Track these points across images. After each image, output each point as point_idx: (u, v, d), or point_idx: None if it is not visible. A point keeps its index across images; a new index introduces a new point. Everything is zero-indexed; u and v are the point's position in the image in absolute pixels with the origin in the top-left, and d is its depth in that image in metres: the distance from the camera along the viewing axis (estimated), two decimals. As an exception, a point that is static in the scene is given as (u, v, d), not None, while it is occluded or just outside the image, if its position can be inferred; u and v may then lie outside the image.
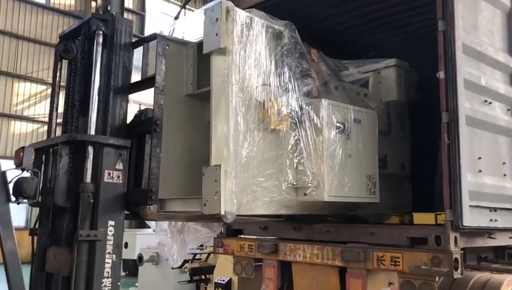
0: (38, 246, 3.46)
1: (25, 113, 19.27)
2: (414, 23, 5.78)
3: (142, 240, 11.51)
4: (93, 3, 20.57)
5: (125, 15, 19.43)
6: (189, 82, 4.46)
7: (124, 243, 11.00)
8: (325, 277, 4.49)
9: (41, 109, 19.32)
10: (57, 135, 3.59)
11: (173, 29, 4.39)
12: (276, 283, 4.82)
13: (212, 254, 8.85)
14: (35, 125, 19.32)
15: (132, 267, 12.41)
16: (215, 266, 8.65)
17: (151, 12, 22.57)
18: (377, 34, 6.06)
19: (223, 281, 7.85)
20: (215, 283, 8.00)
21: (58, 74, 3.69)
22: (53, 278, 3.34)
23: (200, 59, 4.45)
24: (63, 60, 3.77)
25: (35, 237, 3.47)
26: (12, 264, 2.96)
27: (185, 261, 9.12)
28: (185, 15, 4.39)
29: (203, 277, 9.56)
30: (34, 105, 19.38)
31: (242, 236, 5.32)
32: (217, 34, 3.76)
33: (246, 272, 5.17)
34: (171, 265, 4.06)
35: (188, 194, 4.07)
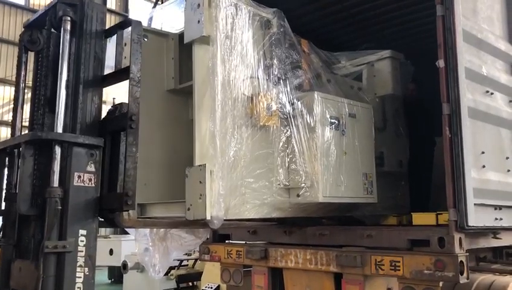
0: (2, 259, 3.09)
1: (5, 118, 18.76)
2: (409, 14, 5.54)
3: (127, 247, 11.17)
4: (74, 4, 20.15)
5: (108, 16, 19.02)
6: (170, 76, 4.17)
7: (109, 249, 10.69)
8: (319, 284, 4.20)
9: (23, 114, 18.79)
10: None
11: (151, 18, 4.05)
12: (267, 290, 4.53)
13: (198, 260, 8.62)
14: (16, 130, 18.81)
15: (118, 275, 12.08)
16: (202, 272, 8.45)
17: (134, 13, 22.18)
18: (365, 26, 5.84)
19: (211, 288, 7.68)
20: (203, 290, 7.76)
21: (23, 67, 3.32)
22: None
23: (182, 51, 4.15)
24: (29, 53, 3.40)
25: (-1, 249, 3.10)
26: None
27: (171, 268, 8.87)
28: (162, 2, 4.07)
29: (190, 283, 9.33)
30: (15, 109, 18.88)
31: (229, 241, 5.05)
32: (198, 21, 3.46)
33: (235, 279, 4.88)
34: (152, 276, 3.70)
35: (172, 198, 3.76)
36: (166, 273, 8.94)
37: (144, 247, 3.65)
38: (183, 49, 4.10)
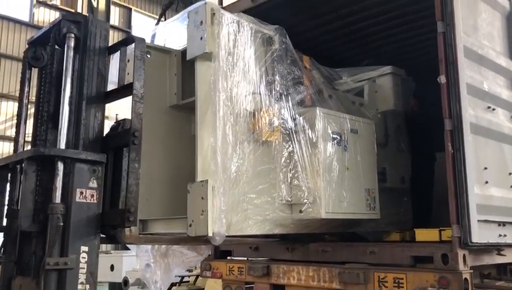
0: (3, 276, 3.07)
1: (7, 133, 18.80)
2: (409, 30, 5.57)
3: (128, 263, 11.08)
4: (78, 21, 20.30)
5: (111, 32, 19.14)
6: (173, 92, 4.17)
7: (110, 265, 10.60)
8: None
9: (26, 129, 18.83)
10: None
11: (154, 35, 4.08)
12: (269, 307, 4.48)
13: (200, 277, 8.53)
14: (18, 146, 18.82)
15: (119, 291, 11.96)
16: (203, 289, 8.34)
17: (137, 29, 22.35)
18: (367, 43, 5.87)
19: None
20: (205, 306, 7.65)
21: (26, 83, 3.34)
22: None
23: (184, 68, 4.16)
24: (32, 69, 3.42)
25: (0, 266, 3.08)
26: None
27: (173, 285, 8.77)
28: (165, 19, 4.14)
29: (191, 300, 9.21)
30: (17, 125, 18.92)
31: (231, 258, 5.01)
32: (201, 38, 3.47)
33: None
34: (154, 293, 3.67)
35: (173, 214, 3.74)
36: (168, 290, 8.86)
37: (145, 263, 3.61)
38: (185, 65, 4.12)
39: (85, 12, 20.04)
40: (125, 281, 9.27)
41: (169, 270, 3.59)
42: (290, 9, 5.00)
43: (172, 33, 4.11)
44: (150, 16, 22.46)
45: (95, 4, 19.06)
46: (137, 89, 2.95)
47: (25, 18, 19.77)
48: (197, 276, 9.15)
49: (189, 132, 4.21)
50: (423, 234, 4.41)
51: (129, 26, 22.78)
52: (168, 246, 3.69)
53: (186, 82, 4.17)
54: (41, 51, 3.30)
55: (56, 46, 3.13)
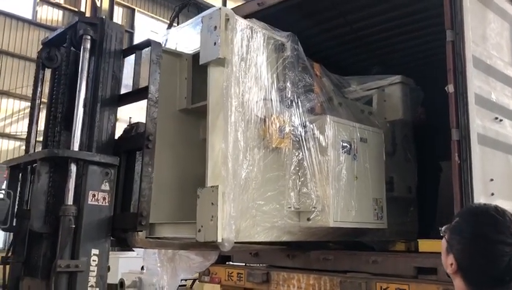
0: (11, 276, 3.05)
1: (7, 130, 18.72)
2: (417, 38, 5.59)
3: (124, 264, 11.02)
4: (81, 20, 20.26)
5: (113, 32, 19.13)
6: (183, 96, 4.16)
7: (106, 267, 10.49)
8: None
9: (25, 126, 18.63)
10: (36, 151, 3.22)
11: (166, 40, 4.07)
12: (268, 315, 4.41)
13: (197, 281, 8.48)
14: (18, 143, 18.76)
15: (114, 293, 11.88)
16: (202, 292, 8.32)
17: (140, 30, 22.32)
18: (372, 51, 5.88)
19: None
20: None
21: (39, 83, 3.33)
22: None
23: (195, 72, 4.15)
24: (46, 70, 3.41)
25: (8, 266, 3.06)
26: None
27: (169, 289, 8.70)
28: (177, 24, 4.16)
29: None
30: (17, 122, 18.84)
31: (230, 263, 4.96)
32: (215, 43, 3.46)
33: None
34: (160, 297, 3.65)
35: (179, 219, 3.73)
36: (165, 294, 8.81)
37: (152, 267, 3.60)
38: (196, 69, 4.11)
39: (88, 12, 20.07)
40: (121, 283, 9.21)
41: (176, 275, 3.57)
42: (296, 14, 4.99)
43: (184, 38, 4.10)
44: (153, 17, 22.44)
45: (98, 4, 19.04)
46: (152, 93, 2.94)
47: (28, 16, 19.71)
48: (194, 280, 9.08)
49: (198, 136, 4.19)
50: (426, 245, 4.37)
51: (132, 26, 22.74)
52: (175, 251, 3.68)
53: (196, 86, 4.16)
54: (56, 51, 3.29)
55: (72, 48, 3.12)
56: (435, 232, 5.28)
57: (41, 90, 3.33)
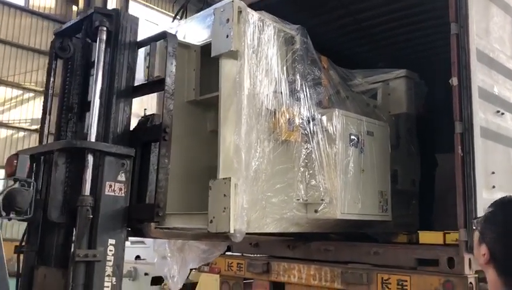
0: (25, 265, 3.07)
1: (1, 119, 18.57)
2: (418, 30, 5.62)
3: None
4: (74, 7, 20.08)
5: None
6: (191, 88, 4.16)
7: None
8: None
9: (17, 115, 18.64)
10: (49, 142, 3.22)
11: (176, 32, 4.07)
12: (268, 304, 4.43)
13: (193, 271, 8.50)
14: (10, 131, 18.62)
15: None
16: (196, 283, 8.30)
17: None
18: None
19: None
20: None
21: (52, 73, 3.33)
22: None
23: (203, 63, 4.16)
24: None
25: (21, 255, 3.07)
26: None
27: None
28: (185, 17, 4.16)
29: (181, 295, 9.16)
30: (9, 110, 18.69)
31: (230, 253, 4.96)
32: (227, 36, 3.48)
33: None
34: (171, 288, 3.68)
35: (186, 209, 3.75)
36: (160, 283, 8.80)
37: (162, 257, 3.64)
38: (204, 61, 4.13)
39: (81, 0, 19.87)
40: (117, 273, 9.17)
41: (186, 265, 3.61)
42: (298, 5, 4.98)
43: (192, 30, 4.10)
44: (147, 6, 22.27)
45: (92, -9, 18.89)
46: (168, 85, 2.96)
47: (21, 2, 19.49)
48: (190, 270, 9.06)
49: (205, 128, 4.22)
50: (427, 237, 4.41)
51: (126, 15, 22.53)
52: (184, 241, 3.72)
53: (205, 78, 4.18)
54: (68, 42, 3.29)
55: (86, 39, 3.13)
56: (433, 225, 5.34)
57: (54, 81, 3.32)
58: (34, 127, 18.11)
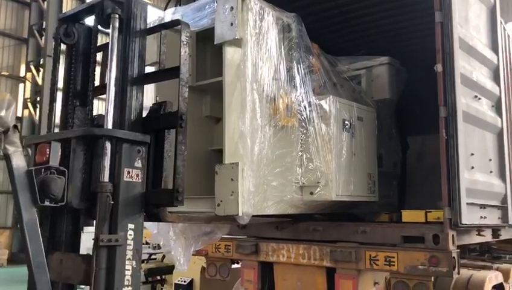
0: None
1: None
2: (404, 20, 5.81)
3: (87, 240, 10.80)
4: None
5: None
6: (187, 73, 4.18)
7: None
8: (311, 278, 4.27)
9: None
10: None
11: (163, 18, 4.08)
12: (257, 284, 4.56)
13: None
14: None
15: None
16: (172, 266, 8.30)
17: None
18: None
19: (184, 282, 7.40)
20: (176, 284, 7.58)
21: (57, 60, 3.28)
22: (55, 286, 2.97)
23: (199, 49, 4.20)
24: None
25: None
26: (39, 277, 2.63)
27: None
28: (180, 4, 4.14)
29: (159, 277, 9.16)
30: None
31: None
32: (231, 24, 3.55)
33: (221, 274, 4.89)
34: (178, 269, 3.77)
35: (187, 193, 3.82)
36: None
37: (167, 240, 3.72)
38: (200, 47, 4.18)
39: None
40: (87, 258, 9.04)
41: (190, 246, 3.70)
42: None
43: (188, 16, 4.12)
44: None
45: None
46: (183, 74, 3.00)
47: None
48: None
49: (201, 114, 4.29)
50: (409, 215, 4.67)
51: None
52: (186, 224, 3.80)
53: (200, 64, 4.23)
54: (73, 28, 3.26)
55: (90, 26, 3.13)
56: (404, 204, 5.53)
57: (58, 67, 3.29)
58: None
